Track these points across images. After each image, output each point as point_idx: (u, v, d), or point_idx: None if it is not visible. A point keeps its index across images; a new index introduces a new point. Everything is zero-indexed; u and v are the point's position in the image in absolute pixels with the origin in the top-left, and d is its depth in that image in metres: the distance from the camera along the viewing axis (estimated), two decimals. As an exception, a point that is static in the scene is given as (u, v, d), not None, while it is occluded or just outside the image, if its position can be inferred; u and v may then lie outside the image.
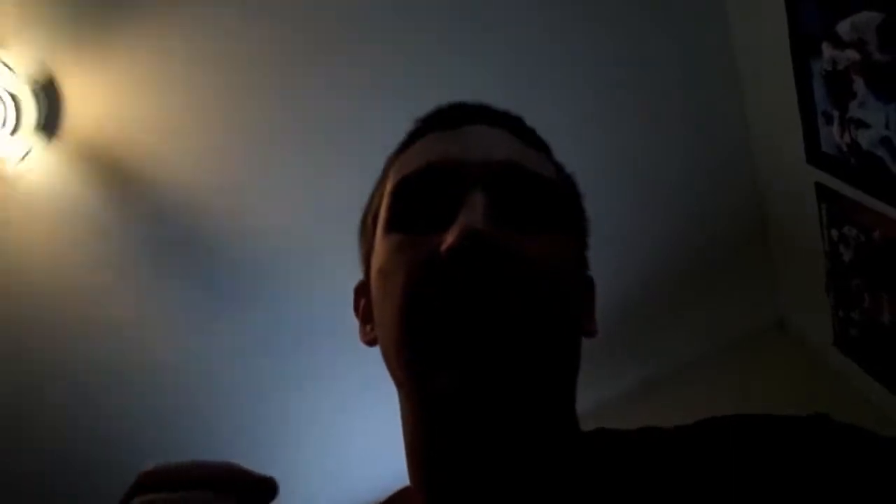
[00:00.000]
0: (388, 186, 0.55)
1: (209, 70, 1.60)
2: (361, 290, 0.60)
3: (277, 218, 1.73)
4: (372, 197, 0.60)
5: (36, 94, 1.46)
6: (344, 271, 0.68)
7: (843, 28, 1.38)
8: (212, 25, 1.56)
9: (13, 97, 1.44)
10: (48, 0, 1.45)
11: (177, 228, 1.67)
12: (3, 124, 1.42)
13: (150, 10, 1.51)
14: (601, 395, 1.88)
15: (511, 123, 0.60)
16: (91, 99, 1.52)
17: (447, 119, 0.59)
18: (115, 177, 1.57)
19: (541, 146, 0.60)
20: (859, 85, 1.40)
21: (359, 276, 0.61)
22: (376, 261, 0.53)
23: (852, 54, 1.38)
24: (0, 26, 1.43)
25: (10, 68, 1.44)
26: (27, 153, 1.48)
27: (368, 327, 0.57)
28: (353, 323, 0.61)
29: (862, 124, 1.44)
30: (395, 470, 0.59)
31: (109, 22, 1.50)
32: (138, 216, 1.64)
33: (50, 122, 1.49)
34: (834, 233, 1.70)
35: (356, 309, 0.61)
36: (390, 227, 0.52)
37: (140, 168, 1.59)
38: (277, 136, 1.67)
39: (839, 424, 0.52)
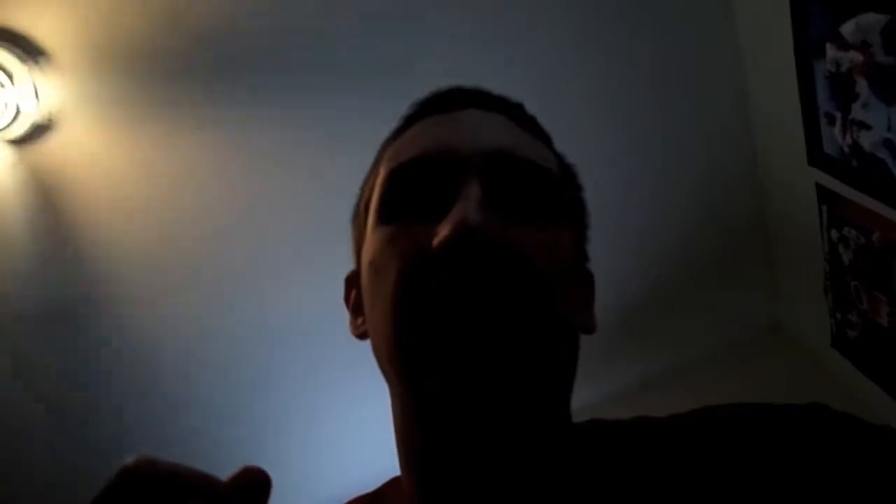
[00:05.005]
0: (381, 175, 0.53)
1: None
2: (352, 281, 0.58)
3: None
4: (364, 184, 0.58)
5: (37, 124, 1.45)
6: (337, 266, 0.67)
7: (848, 29, 1.37)
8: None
9: (17, 110, 1.42)
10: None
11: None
12: None
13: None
14: (597, 394, 1.87)
15: (510, 109, 0.57)
16: (81, 148, 1.50)
17: (443, 103, 0.57)
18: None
19: (541, 134, 0.58)
20: (862, 86, 1.40)
21: (348, 266, 0.60)
22: (367, 252, 0.52)
23: (856, 56, 1.38)
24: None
25: (36, 95, 1.43)
26: None
27: (360, 320, 0.56)
28: (345, 315, 0.59)
29: (864, 126, 1.43)
30: (386, 462, 0.59)
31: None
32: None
33: (27, 142, 1.47)
34: (834, 234, 1.70)
35: (347, 300, 0.59)
36: (382, 217, 0.51)
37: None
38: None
39: (836, 413, 0.51)
